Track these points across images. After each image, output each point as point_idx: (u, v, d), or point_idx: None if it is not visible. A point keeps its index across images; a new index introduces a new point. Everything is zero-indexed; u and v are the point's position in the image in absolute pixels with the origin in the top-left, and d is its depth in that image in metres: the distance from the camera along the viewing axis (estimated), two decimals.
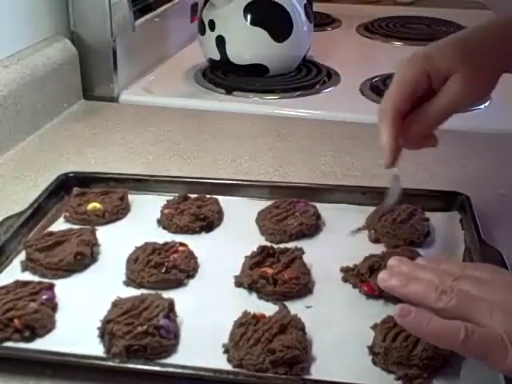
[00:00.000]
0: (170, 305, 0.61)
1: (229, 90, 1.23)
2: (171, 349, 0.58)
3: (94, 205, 0.78)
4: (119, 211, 0.79)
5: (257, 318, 0.59)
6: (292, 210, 0.77)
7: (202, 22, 1.27)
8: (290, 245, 0.72)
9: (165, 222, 0.77)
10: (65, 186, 0.83)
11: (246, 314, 0.60)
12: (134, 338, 0.56)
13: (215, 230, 0.77)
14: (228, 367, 0.56)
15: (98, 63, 1.17)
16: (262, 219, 0.77)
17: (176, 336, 0.59)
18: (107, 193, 0.81)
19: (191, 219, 0.76)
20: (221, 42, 1.24)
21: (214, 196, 0.80)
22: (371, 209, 0.78)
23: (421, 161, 0.96)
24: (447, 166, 0.94)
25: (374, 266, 0.66)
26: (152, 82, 1.28)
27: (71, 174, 0.85)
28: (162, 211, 0.78)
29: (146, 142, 1.02)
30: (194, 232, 0.76)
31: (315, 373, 0.56)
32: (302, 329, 0.59)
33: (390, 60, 1.46)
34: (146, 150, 1.00)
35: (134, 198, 0.82)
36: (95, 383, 0.56)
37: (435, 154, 0.95)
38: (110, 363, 0.56)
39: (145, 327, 0.57)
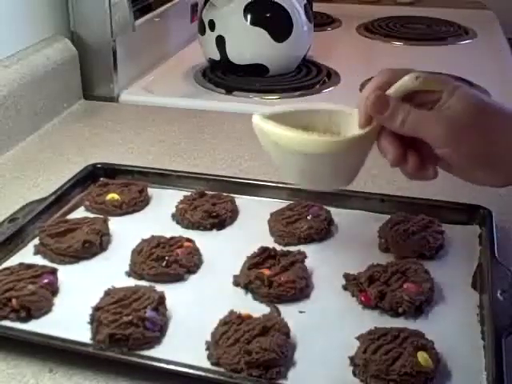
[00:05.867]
0: (161, 298, 0.61)
1: (229, 90, 1.23)
2: (154, 341, 0.59)
3: (113, 195, 0.80)
4: (137, 203, 0.81)
5: (242, 318, 0.59)
6: (305, 214, 0.77)
7: (202, 22, 1.27)
8: (297, 248, 0.71)
9: (178, 217, 0.78)
10: (92, 176, 0.86)
11: (231, 313, 0.60)
12: (118, 327, 0.57)
13: (227, 228, 0.78)
14: (207, 364, 0.56)
15: (97, 63, 1.17)
16: (273, 220, 0.77)
17: (162, 329, 0.60)
18: (128, 185, 0.83)
19: (203, 216, 0.77)
20: (221, 42, 1.24)
21: (231, 195, 0.81)
22: (388, 217, 0.76)
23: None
24: None
25: (374, 275, 0.65)
26: (152, 82, 1.28)
27: (99, 165, 0.88)
28: (176, 206, 0.79)
29: (145, 141, 1.02)
30: (205, 229, 0.77)
31: (292, 379, 0.56)
32: (286, 333, 0.58)
33: (390, 60, 1.47)
34: (145, 149, 1.00)
35: (155, 192, 0.84)
36: (95, 380, 0.56)
37: None
38: (84, 348, 0.57)
39: (130, 317, 0.58)
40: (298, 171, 0.65)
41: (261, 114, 0.64)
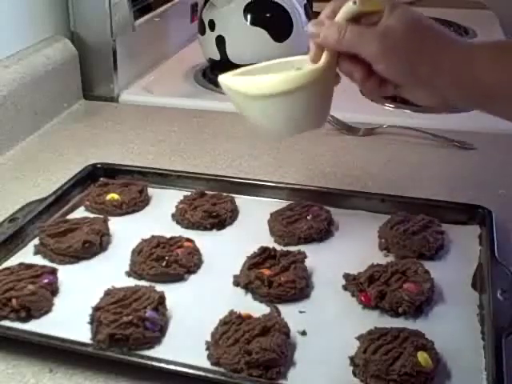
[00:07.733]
0: (161, 298, 0.62)
1: None
2: (154, 341, 0.59)
3: (113, 195, 0.81)
4: (137, 203, 0.81)
5: (242, 318, 0.59)
6: (305, 214, 0.77)
7: (202, 22, 1.27)
8: (297, 248, 0.71)
9: (178, 217, 0.78)
10: (92, 176, 0.86)
11: (231, 313, 0.60)
12: (118, 327, 0.57)
13: (227, 228, 0.78)
14: (207, 364, 0.56)
15: (97, 63, 1.17)
16: (273, 220, 0.77)
17: (162, 329, 0.60)
18: (128, 185, 0.83)
19: (203, 216, 0.77)
20: (221, 41, 1.24)
21: (231, 194, 0.81)
22: (388, 217, 0.76)
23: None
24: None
25: (374, 275, 0.65)
26: (152, 82, 1.28)
27: (99, 165, 0.88)
28: (176, 206, 0.79)
29: (145, 141, 1.02)
30: (205, 228, 0.77)
31: (292, 379, 0.56)
32: (286, 333, 0.58)
33: None
34: (145, 149, 1.00)
35: (155, 192, 0.84)
36: (95, 380, 0.56)
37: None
38: (84, 348, 0.57)
39: (130, 317, 0.58)
40: (271, 117, 0.67)
41: (227, 74, 0.67)
